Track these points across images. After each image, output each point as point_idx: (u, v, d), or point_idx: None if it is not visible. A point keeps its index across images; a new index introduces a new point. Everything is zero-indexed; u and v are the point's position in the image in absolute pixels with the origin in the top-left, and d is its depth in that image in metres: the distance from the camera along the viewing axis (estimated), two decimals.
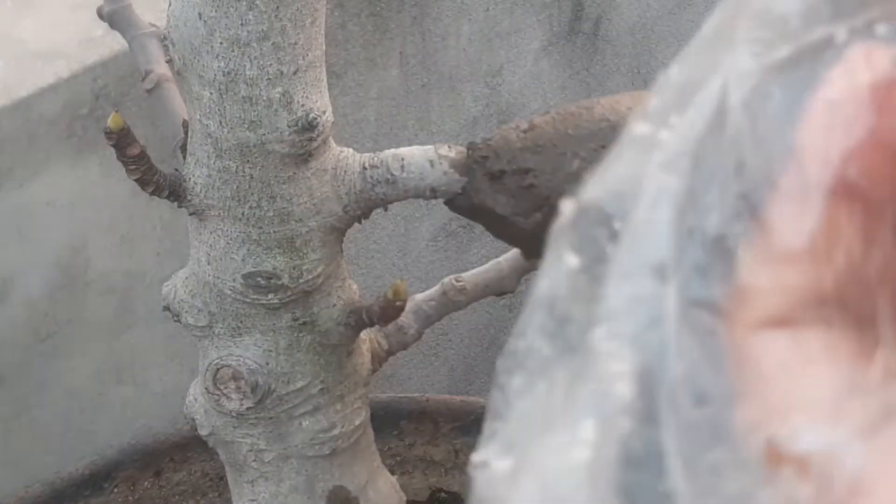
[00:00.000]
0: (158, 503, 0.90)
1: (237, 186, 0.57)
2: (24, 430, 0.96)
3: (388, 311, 0.62)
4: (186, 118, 0.59)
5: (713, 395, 0.23)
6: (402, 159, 0.57)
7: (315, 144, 0.57)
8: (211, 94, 0.55)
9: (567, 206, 0.24)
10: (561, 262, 0.25)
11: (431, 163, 0.55)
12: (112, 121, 0.55)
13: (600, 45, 1.26)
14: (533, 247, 0.52)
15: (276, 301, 0.61)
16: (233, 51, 0.54)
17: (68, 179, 0.89)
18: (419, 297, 0.70)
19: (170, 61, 0.57)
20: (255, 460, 0.67)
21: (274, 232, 0.59)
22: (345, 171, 0.59)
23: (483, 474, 0.26)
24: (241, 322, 0.63)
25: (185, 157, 0.60)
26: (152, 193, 0.58)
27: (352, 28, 1.03)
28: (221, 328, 0.63)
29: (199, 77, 0.55)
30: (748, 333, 0.24)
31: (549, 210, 0.49)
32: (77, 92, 0.87)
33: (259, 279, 0.60)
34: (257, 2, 0.52)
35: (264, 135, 0.56)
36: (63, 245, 0.92)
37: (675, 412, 0.24)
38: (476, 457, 0.26)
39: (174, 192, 0.59)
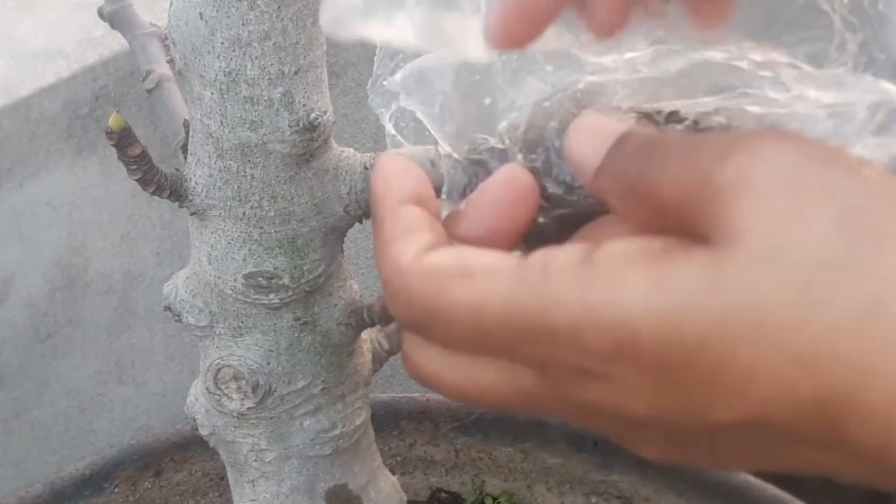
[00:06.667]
0: (158, 503, 0.90)
1: (238, 186, 0.58)
2: (24, 430, 0.96)
3: (389, 310, 0.62)
4: (187, 118, 0.59)
5: None
6: None
7: (316, 144, 0.57)
8: (212, 93, 0.55)
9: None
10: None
11: (432, 163, 0.55)
12: (113, 121, 0.55)
13: None
14: (533, 246, 0.52)
15: (277, 301, 0.61)
16: (234, 51, 0.54)
17: (68, 179, 0.89)
18: None
19: (170, 61, 0.57)
20: (255, 460, 0.67)
21: (275, 232, 0.59)
22: (346, 171, 0.59)
23: None
24: (242, 322, 0.63)
25: (186, 157, 0.60)
26: (153, 193, 0.58)
27: None
28: (222, 328, 0.63)
29: (200, 77, 0.55)
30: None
31: (548, 210, 0.49)
32: (77, 92, 0.87)
33: (260, 279, 0.60)
34: (258, 2, 0.52)
35: (265, 135, 0.56)
36: (63, 245, 0.91)
37: None
38: None
39: (175, 192, 0.59)
